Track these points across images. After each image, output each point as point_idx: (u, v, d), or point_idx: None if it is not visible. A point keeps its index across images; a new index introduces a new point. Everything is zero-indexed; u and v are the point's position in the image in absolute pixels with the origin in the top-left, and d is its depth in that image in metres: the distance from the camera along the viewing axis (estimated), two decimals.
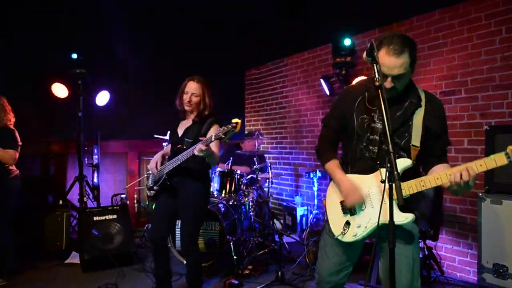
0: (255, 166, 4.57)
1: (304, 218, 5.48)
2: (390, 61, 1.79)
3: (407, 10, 4.24)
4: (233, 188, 4.49)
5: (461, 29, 3.82)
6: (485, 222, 3.23)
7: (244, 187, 4.55)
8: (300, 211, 5.47)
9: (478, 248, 3.28)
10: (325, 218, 2.15)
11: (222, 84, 6.67)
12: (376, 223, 1.82)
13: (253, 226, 4.35)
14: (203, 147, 2.67)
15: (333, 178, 2.08)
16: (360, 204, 1.95)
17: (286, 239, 4.78)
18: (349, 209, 1.99)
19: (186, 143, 2.98)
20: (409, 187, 1.81)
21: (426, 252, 3.61)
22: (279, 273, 3.72)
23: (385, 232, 1.77)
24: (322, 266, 2.14)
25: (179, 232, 3.87)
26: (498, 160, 1.67)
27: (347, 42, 4.52)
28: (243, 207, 4.58)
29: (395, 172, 1.49)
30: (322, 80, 4.89)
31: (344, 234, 1.96)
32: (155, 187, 3.10)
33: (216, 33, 6.19)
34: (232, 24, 5.98)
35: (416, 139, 1.90)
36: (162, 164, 3.13)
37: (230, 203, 4.52)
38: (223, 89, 6.70)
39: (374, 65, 1.72)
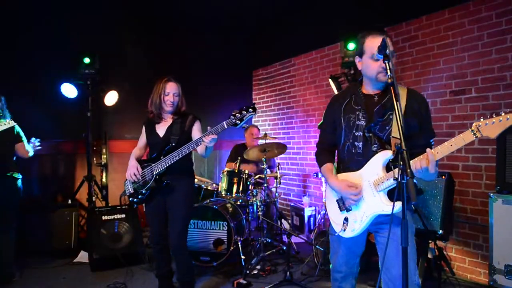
0: (262, 166, 4.56)
1: (312, 219, 5.46)
2: (379, 40, 1.87)
3: (416, 9, 4.21)
4: (241, 188, 4.49)
5: (471, 27, 3.79)
6: (497, 223, 3.19)
7: (252, 187, 4.55)
8: (307, 211, 5.45)
9: (489, 249, 3.24)
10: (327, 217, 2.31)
11: (230, 84, 6.72)
12: (371, 216, 1.98)
13: (261, 226, 4.34)
14: (215, 136, 2.68)
15: (327, 181, 2.23)
16: (360, 196, 2.03)
17: (294, 239, 4.77)
18: (345, 206, 2.11)
19: (173, 140, 2.99)
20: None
21: (436, 253, 3.58)
22: (288, 273, 3.70)
23: (380, 226, 2.04)
24: (332, 258, 2.31)
25: None
26: (465, 137, 1.74)
27: (351, 46, 4.49)
28: (251, 207, 4.58)
29: (408, 170, 1.48)
30: (330, 80, 4.86)
31: (344, 230, 2.10)
32: (143, 191, 3.04)
33: (224, 33, 6.20)
34: (240, 24, 5.98)
35: (396, 131, 1.91)
36: (143, 168, 3.08)
37: (238, 203, 4.52)
38: (230, 89, 6.76)
39: (386, 62, 1.71)
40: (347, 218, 2.09)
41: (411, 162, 1.79)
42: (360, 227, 2.03)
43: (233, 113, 2.63)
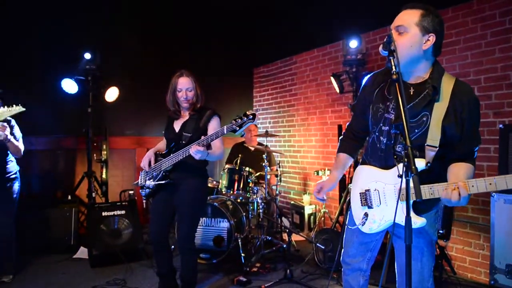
0: (263, 164, 4.54)
1: (312, 217, 5.45)
2: (399, 15, 1.81)
3: None
4: (241, 186, 4.47)
5: (474, 26, 3.77)
6: (498, 222, 3.18)
7: (253, 185, 4.53)
8: (308, 209, 5.44)
9: (490, 249, 3.23)
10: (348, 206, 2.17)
11: (231, 82, 6.70)
12: (389, 222, 1.85)
13: (261, 223, 4.33)
14: (200, 148, 2.61)
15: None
16: (375, 199, 1.92)
17: (294, 237, 4.76)
18: (367, 202, 1.96)
19: (185, 137, 2.92)
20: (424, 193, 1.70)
21: (438, 252, 3.57)
22: (288, 271, 3.69)
23: (398, 231, 1.79)
24: (344, 247, 2.20)
25: None
26: (509, 182, 1.50)
27: (353, 44, 4.46)
28: (251, 204, 4.57)
29: (413, 167, 1.44)
30: (332, 78, 4.85)
31: (362, 225, 1.97)
32: (151, 185, 3.02)
33: (225, 30, 6.18)
34: (241, 21, 5.96)
35: (433, 139, 1.72)
36: (156, 161, 3.06)
37: (239, 200, 4.51)
38: (231, 86, 6.75)
39: (391, 58, 1.67)
40: (367, 214, 1.95)
41: (441, 184, 1.65)
42: (378, 228, 1.91)
43: (234, 119, 2.57)
